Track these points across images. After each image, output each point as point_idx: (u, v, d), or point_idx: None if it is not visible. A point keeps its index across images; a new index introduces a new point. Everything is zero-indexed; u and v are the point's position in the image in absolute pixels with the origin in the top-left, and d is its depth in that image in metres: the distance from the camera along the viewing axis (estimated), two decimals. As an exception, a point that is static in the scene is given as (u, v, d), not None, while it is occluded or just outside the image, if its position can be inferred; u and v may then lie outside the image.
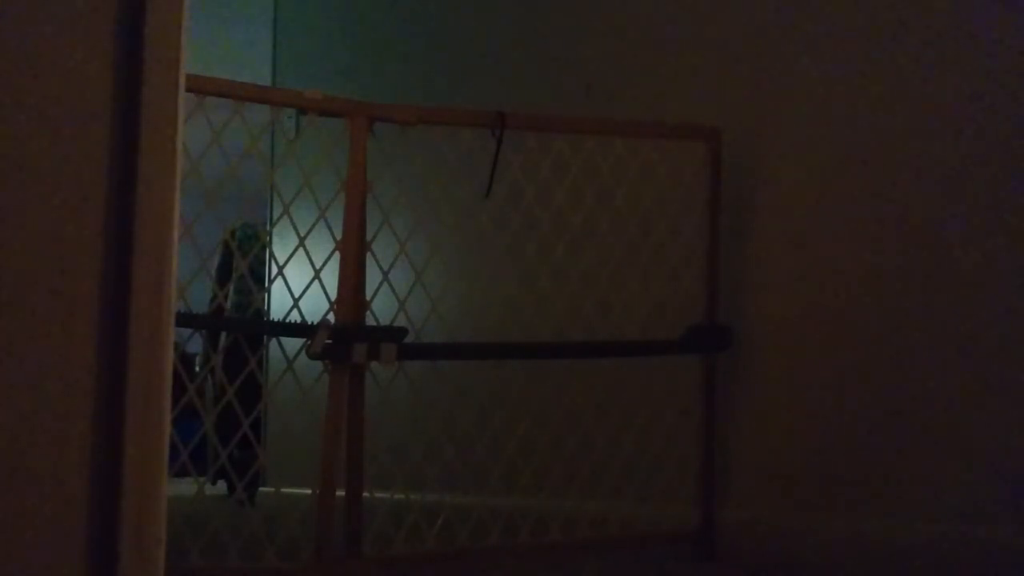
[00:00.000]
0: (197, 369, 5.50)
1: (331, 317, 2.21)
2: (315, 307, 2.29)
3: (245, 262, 2.65)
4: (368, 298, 2.25)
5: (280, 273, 2.30)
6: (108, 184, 0.86)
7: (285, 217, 2.26)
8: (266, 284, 3.04)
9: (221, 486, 4.95)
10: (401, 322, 2.26)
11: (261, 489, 3.91)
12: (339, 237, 2.20)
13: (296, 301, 2.25)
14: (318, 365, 2.21)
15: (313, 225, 2.26)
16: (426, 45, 3.74)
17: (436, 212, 2.48)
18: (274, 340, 2.32)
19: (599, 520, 2.41)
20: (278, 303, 2.77)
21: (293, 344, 2.26)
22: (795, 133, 2.48)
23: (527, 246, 2.42)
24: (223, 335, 4.55)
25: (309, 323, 2.21)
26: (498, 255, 2.49)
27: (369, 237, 2.26)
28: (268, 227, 3.46)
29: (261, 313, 2.61)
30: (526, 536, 2.33)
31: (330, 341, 2.15)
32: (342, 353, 2.15)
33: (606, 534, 2.41)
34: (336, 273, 2.20)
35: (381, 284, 2.29)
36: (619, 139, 2.50)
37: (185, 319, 2.21)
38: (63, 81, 0.85)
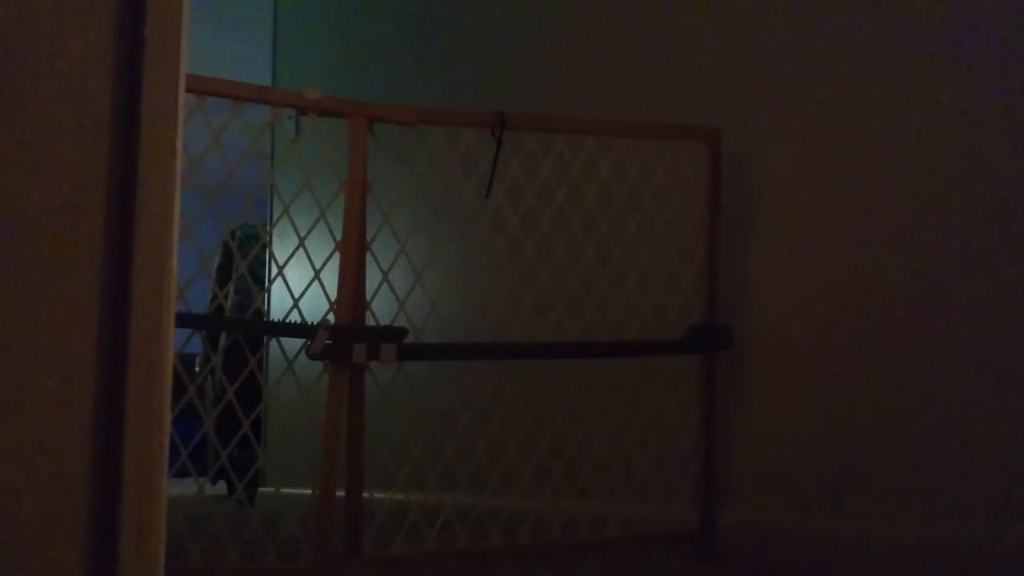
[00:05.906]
0: (197, 369, 5.50)
1: (331, 317, 2.21)
2: (315, 307, 2.29)
3: (245, 262, 2.65)
4: (368, 298, 2.25)
5: (280, 273, 2.30)
6: (108, 184, 0.86)
7: (285, 217, 2.26)
8: (266, 284, 3.04)
9: (221, 486, 4.95)
10: (401, 322, 2.26)
11: (261, 489, 3.91)
12: (339, 237, 2.20)
13: (296, 301, 2.25)
14: (318, 365, 2.21)
15: (313, 225, 2.26)
16: (426, 45, 3.74)
17: (436, 212, 2.48)
18: (274, 340, 2.32)
19: (599, 520, 2.41)
20: (278, 303, 2.77)
21: (293, 344, 2.26)
22: (795, 133, 2.48)
23: (527, 246, 2.42)
24: (223, 335, 4.56)
25: (309, 323, 2.21)
26: (498, 255, 2.49)
27: (369, 237, 2.26)
28: (268, 227, 3.46)
29: (261, 313, 2.61)
30: (526, 536, 2.33)
31: (330, 341, 2.15)
32: (342, 353, 2.15)
33: (606, 534, 2.41)
34: (336, 273, 2.20)
35: (381, 284, 2.29)
36: (619, 139, 2.50)
37: (185, 319, 2.21)
38: (63, 81, 0.85)
